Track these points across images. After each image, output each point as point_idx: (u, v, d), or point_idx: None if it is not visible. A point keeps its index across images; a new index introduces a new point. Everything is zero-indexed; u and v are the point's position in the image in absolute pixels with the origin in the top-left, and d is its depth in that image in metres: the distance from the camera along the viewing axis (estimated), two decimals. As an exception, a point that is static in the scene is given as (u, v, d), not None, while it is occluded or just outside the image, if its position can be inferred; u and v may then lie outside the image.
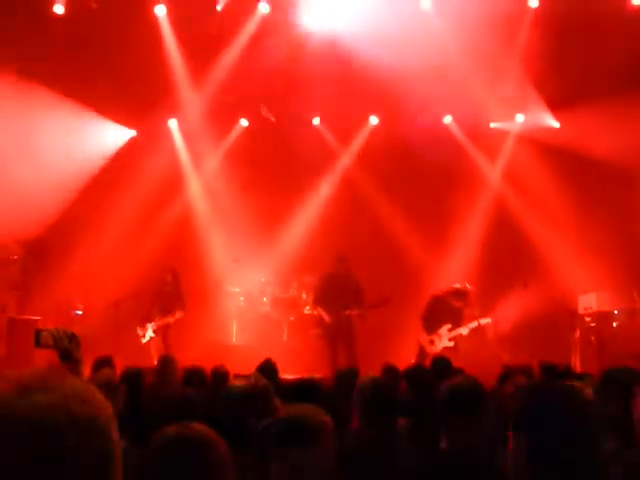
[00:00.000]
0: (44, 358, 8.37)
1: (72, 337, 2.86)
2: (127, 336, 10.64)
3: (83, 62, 10.85)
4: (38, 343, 2.86)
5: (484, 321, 10.11)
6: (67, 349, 2.82)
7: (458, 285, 10.20)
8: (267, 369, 5.47)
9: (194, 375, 5.39)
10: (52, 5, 10.52)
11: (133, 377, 5.14)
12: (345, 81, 11.49)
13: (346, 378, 5.49)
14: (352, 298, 10.25)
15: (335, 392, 5.34)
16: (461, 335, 10.00)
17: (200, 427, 2.22)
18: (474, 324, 10.03)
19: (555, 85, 11.09)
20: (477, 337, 10.82)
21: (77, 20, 10.58)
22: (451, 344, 9.94)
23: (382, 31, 10.76)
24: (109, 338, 10.20)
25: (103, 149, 12.12)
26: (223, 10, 11.00)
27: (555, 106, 11.81)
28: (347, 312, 10.17)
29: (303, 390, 4.76)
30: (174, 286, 10.73)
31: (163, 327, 10.59)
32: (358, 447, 3.85)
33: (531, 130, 12.21)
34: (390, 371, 5.84)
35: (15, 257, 11.16)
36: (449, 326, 9.94)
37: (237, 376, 5.33)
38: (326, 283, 10.55)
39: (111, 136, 12.33)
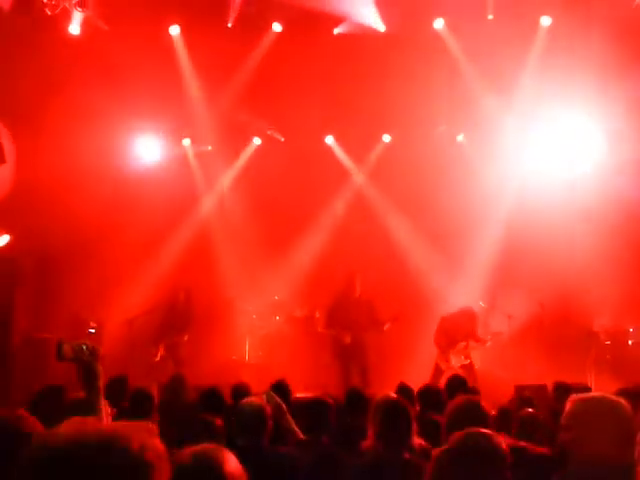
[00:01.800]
0: (58, 375, 8.40)
1: (92, 351, 2.87)
2: (140, 354, 10.64)
3: (98, 83, 10.96)
4: (60, 356, 2.87)
5: (497, 333, 10.20)
6: (87, 363, 2.83)
7: (465, 307, 10.28)
8: (280, 389, 5.45)
9: (211, 395, 5.37)
10: (67, 26, 10.64)
11: (141, 399, 5.10)
12: (358, 99, 11.54)
13: (356, 397, 5.47)
14: (365, 318, 10.22)
15: (346, 410, 5.32)
16: (477, 350, 10.04)
17: (216, 450, 2.20)
18: (488, 340, 10.06)
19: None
20: (492, 356, 10.76)
21: (91, 41, 10.70)
22: (467, 361, 9.96)
23: (394, 49, 10.86)
24: (122, 356, 10.19)
25: (119, 167, 12.15)
26: (236, 29, 11.10)
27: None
28: (362, 333, 10.17)
29: (314, 409, 4.74)
30: (186, 305, 10.75)
31: (173, 345, 10.59)
32: (371, 466, 3.83)
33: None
34: (404, 390, 5.81)
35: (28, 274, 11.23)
36: (464, 344, 9.97)
37: (248, 392, 5.33)
38: (338, 303, 10.53)
39: (129, 153, 12.37)
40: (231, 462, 2.17)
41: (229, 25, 11.11)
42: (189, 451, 2.20)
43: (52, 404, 4.65)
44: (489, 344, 10.13)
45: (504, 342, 10.86)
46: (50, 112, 10.64)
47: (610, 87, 10.43)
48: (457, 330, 10.07)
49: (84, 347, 2.86)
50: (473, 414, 3.43)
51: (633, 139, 10.84)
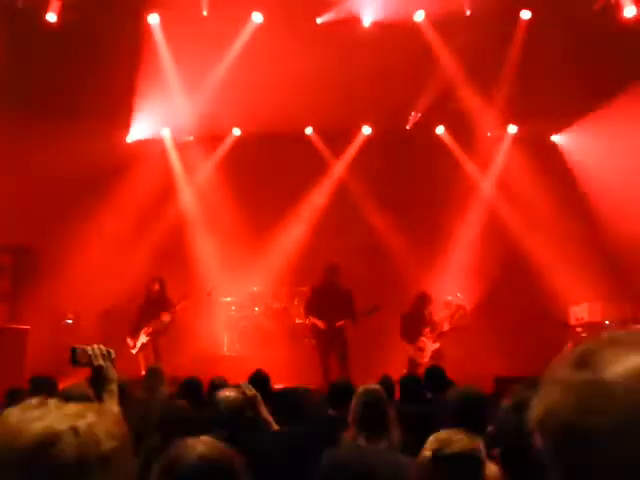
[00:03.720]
0: (33, 366, 8.32)
1: (108, 355, 2.82)
2: (117, 346, 10.53)
3: (75, 71, 10.83)
4: (74, 361, 2.80)
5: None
6: (102, 367, 2.78)
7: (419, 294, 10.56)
8: (258, 379, 5.44)
9: (189, 387, 5.34)
10: (45, 14, 10.48)
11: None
12: (338, 90, 11.48)
13: (340, 389, 5.46)
14: (344, 308, 10.24)
15: (329, 402, 5.32)
16: (445, 333, 10.21)
17: (216, 442, 2.14)
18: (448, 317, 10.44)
19: (549, 96, 11.12)
20: (465, 347, 10.84)
21: (69, 29, 10.56)
22: (437, 345, 10.09)
23: (375, 40, 10.82)
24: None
25: (98, 157, 11.98)
26: (215, 18, 10.97)
27: (548, 117, 11.85)
28: (339, 324, 10.20)
29: (287, 400, 4.74)
30: (161, 294, 10.70)
31: (153, 334, 10.54)
32: (343, 457, 3.82)
33: (524, 141, 12.25)
34: (386, 381, 5.80)
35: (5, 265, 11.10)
36: (429, 328, 10.12)
37: (225, 385, 5.31)
38: (317, 293, 10.54)
39: (108, 144, 12.21)
40: (234, 455, 2.13)
41: (204, 13, 10.95)
42: (191, 444, 2.11)
43: (47, 394, 4.59)
44: (445, 312, 10.37)
45: (482, 335, 10.92)
46: (24, 102, 10.52)
47: (591, 83, 10.50)
48: (418, 317, 10.24)
49: (99, 351, 2.80)
50: (477, 405, 3.44)
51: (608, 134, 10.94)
